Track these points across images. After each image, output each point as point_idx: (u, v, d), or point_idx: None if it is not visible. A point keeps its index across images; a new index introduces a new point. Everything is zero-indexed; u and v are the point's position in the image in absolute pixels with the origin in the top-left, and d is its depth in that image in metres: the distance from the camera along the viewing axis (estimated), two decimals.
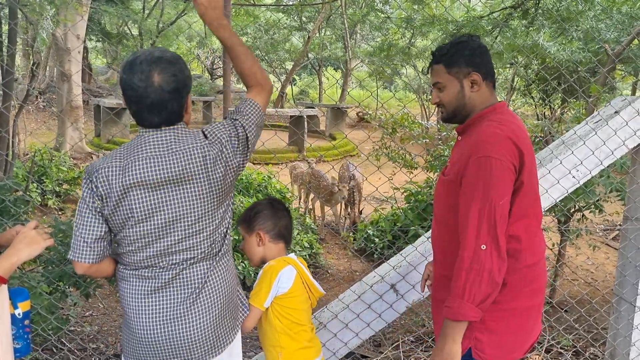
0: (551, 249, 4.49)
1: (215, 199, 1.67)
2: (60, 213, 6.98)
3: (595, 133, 2.53)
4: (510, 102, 16.69)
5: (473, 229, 1.65)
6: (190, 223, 1.64)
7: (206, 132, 1.68)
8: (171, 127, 1.65)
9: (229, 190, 1.72)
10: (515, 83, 14.28)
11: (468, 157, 1.73)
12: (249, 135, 1.73)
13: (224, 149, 1.67)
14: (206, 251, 1.69)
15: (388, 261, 2.62)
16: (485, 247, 1.64)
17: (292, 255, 2.06)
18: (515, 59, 11.37)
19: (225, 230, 1.76)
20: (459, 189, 1.75)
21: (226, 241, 1.78)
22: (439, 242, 1.92)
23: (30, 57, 16.52)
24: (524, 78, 13.44)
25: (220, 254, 1.74)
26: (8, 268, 1.56)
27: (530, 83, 13.51)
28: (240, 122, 1.73)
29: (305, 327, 2.00)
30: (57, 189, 7.35)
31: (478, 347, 1.78)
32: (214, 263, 1.72)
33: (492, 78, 1.86)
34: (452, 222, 1.79)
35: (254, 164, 10.73)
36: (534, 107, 15.86)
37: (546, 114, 14.31)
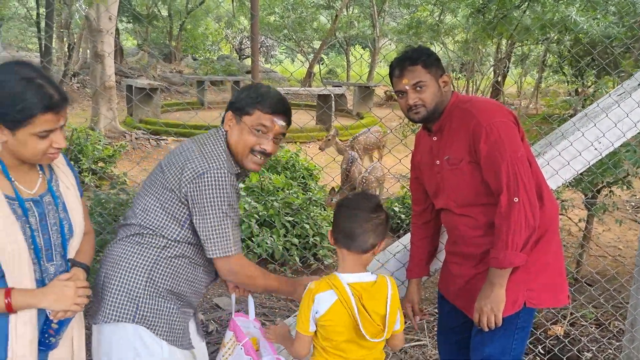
0: (576, 224, 4.51)
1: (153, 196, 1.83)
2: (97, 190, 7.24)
3: (619, 105, 2.55)
4: (543, 80, 16.37)
5: (504, 187, 1.86)
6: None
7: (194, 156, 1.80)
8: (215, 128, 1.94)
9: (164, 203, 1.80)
10: (546, 59, 13.97)
11: (471, 135, 1.92)
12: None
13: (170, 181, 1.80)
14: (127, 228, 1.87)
15: None
16: (517, 199, 1.84)
17: (357, 275, 1.80)
18: (547, 35, 11.13)
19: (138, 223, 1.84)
20: (478, 166, 1.93)
21: (129, 233, 1.85)
22: (474, 223, 2.02)
23: (64, 40, 16.90)
24: (555, 54, 13.16)
25: (129, 235, 1.85)
26: (23, 304, 1.54)
27: (563, 60, 13.21)
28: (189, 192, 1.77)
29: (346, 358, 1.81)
30: (93, 166, 7.61)
31: (532, 296, 1.98)
32: (122, 238, 1.87)
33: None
34: (484, 196, 1.96)
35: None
36: (566, 84, 15.52)
37: (579, 91, 13.98)
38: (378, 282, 1.81)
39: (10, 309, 1.52)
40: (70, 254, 1.71)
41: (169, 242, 1.81)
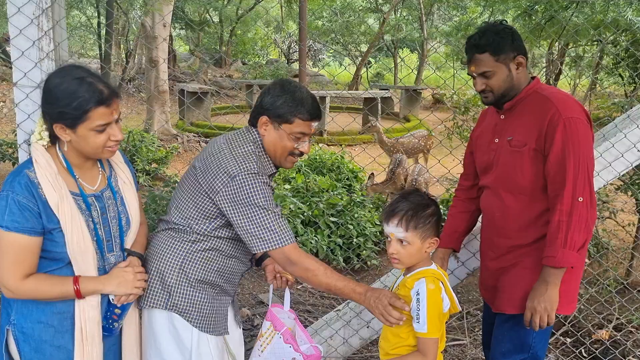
0: (624, 228, 4.41)
1: (191, 193, 1.92)
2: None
3: None
4: (598, 82, 15.84)
5: (570, 184, 1.84)
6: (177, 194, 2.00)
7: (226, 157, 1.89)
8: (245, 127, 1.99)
9: (203, 203, 1.89)
10: (600, 61, 13.52)
11: (547, 123, 1.88)
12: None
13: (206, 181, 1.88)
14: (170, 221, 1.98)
15: None
16: (582, 199, 1.83)
17: (433, 265, 1.87)
18: (601, 36, 10.80)
19: (174, 219, 1.96)
20: (540, 155, 1.92)
21: (169, 225, 1.97)
22: (512, 212, 2.03)
23: (121, 46, 17.64)
24: (611, 55, 12.72)
25: (165, 229, 1.98)
26: (89, 290, 1.69)
27: (619, 61, 12.77)
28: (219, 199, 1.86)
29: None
30: (147, 167, 7.95)
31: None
32: (160, 231, 2.01)
33: (527, 56, 2.02)
34: (535, 189, 1.96)
35: (328, 145, 10.98)
36: (623, 86, 14.96)
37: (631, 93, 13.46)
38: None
39: (79, 295, 1.67)
40: (127, 245, 1.87)
41: (200, 236, 1.92)
